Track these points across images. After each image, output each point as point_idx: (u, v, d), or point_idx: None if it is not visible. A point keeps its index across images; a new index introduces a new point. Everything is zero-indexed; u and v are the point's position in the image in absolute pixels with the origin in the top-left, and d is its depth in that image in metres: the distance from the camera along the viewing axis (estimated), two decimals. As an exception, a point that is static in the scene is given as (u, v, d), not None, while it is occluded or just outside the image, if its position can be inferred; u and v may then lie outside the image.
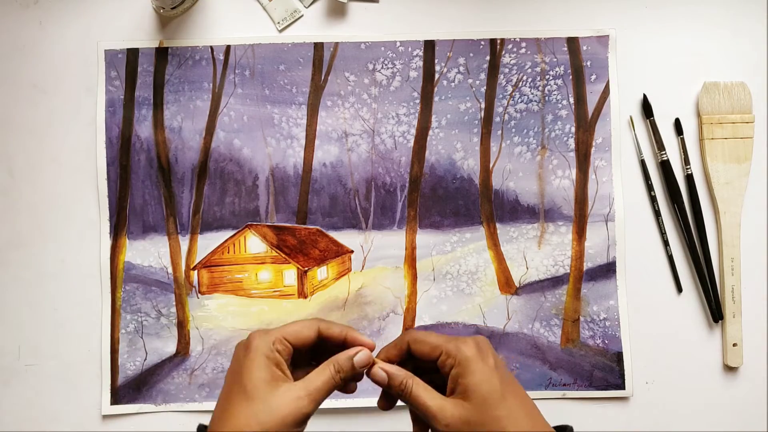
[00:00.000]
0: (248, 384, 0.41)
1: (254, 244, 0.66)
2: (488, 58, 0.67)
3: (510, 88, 0.67)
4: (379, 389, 0.48)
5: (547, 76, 0.67)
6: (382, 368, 0.45)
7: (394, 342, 0.47)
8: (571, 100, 0.67)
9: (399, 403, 0.47)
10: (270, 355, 0.42)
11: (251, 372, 0.41)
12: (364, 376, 0.46)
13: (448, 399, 0.43)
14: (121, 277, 0.66)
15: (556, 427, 0.44)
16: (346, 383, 0.46)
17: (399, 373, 0.44)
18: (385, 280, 0.67)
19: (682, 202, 0.67)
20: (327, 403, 0.64)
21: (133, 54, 0.67)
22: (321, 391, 0.43)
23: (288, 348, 0.44)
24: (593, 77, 0.67)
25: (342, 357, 0.44)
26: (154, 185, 0.66)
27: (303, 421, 0.41)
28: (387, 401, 0.48)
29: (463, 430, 0.41)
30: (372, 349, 0.46)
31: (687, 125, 0.68)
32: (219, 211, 0.66)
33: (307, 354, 0.47)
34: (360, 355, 0.44)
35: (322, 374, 0.43)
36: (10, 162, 0.67)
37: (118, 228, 0.66)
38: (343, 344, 0.46)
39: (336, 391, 0.68)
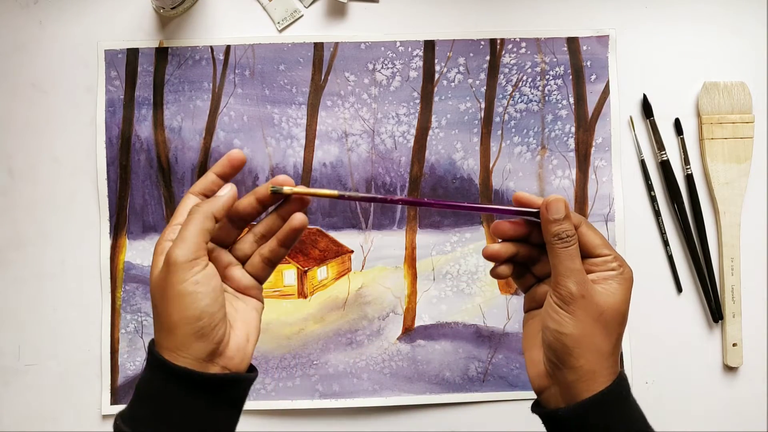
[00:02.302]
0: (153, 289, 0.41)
1: (254, 244, 0.66)
2: (488, 58, 0.67)
3: (510, 88, 0.67)
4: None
5: (547, 76, 0.67)
6: (565, 205, 0.42)
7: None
8: (571, 100, 0.67)
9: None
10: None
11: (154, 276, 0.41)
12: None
13: (605, 283, 0.43)
14: (121, 277, 0.66)
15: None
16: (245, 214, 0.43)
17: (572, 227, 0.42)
18: (385, 280, 0.67)
19: (682, 202, 0.67)
20: (327, 403, 0.65)
21: (133, 54, 0.67)
22: (189, 233, 0.40)
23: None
24: (593, 77, 0.67)
25: (207, 201, 0.42)
26: (154, 185, 0.66)
27: (184, 267, 0.39)
28: (511, 267, 0.46)
29: (585, 310, 0.41)
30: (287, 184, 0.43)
31: (687, 125, 0.68)
32: (219, 211, 0.66)
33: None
34: (224, 189, 0.42)
35: (187, 220, 0.41)
36: (10, 162, 0.67)
37: (118, 228, 0.66)
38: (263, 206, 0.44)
39: (335, 392, 0.68)
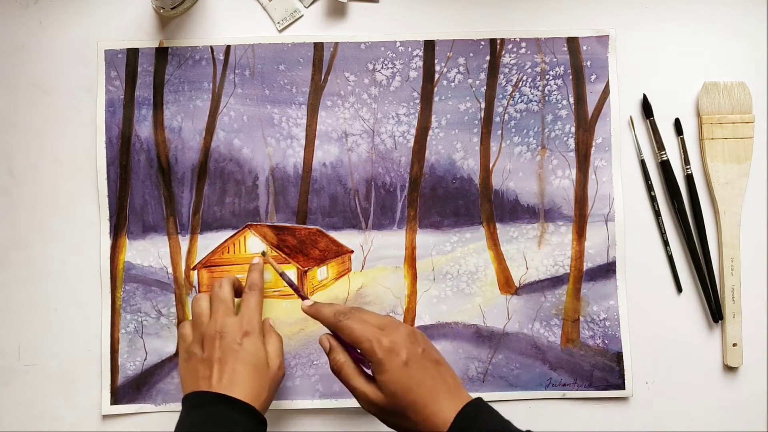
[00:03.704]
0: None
1: (254, 244, 0.66)
2: (488, 58, 0.67)
3: (510, 88, 0.67)
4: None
5: (547, 76, 0.67)
6: (329, 340, 0.56)
7: (329, 322, 0.56)
8: (571, 100, 0.67)
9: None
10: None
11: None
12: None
13: (371, 385, 0.53)
14: (121, 277, 0.66)
15: (470, 402, 0.51)
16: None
17: (338, 355, 0.55)
18: (385, 280, 0.67)
19: (682, 202, 0.67)
20: (327, 403, 0.65)
21: (133, 54, 0.67)
22: (255, 308, 0.60)
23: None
24: (593, 77, 0.67)
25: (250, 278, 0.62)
26: (154, 185, 0.66)
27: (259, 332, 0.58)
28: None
29: (378, 412, 0.53)
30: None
31: (687, 125, 0.68)
32: (219, 211, 0.66)
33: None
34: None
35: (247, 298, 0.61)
36: (10, 162, 0.67)
37: (118, 228, 0.66)
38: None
39: (335, 392, 0.68)
